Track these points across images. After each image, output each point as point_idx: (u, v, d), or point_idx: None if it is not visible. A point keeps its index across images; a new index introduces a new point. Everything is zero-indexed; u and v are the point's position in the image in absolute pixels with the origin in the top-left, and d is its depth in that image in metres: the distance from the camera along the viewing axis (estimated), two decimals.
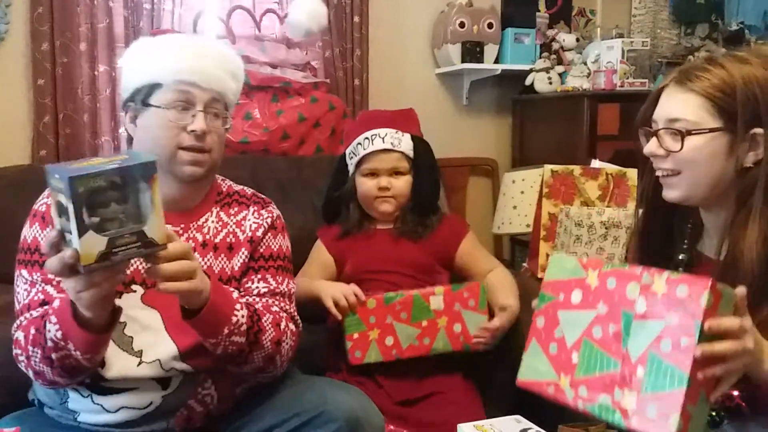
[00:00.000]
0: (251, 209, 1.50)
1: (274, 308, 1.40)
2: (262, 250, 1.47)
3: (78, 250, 0.95)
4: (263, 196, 1.57)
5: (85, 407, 1.32)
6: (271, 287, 1.45)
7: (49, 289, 1.30)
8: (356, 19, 3.09)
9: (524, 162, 3.16)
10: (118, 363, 1.29)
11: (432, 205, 1.98)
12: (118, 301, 1.18)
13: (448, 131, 3.33)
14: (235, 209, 1.49)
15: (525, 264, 2.59)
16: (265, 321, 1.33)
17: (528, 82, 3.09)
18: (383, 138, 1.88)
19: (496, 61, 3.16)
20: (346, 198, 1.94)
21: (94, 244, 0.96)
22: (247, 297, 1.40)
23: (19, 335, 1.25)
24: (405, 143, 1.90)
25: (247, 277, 1.44)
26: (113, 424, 1.31)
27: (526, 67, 3.12)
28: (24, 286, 1.32)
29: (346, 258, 1.90)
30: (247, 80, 2.08)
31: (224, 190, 1.52)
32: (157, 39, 1.45)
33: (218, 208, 1.47)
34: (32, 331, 1.21)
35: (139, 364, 1.30)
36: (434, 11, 3.27)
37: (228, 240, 1.44)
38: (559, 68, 3.09)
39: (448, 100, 3.36)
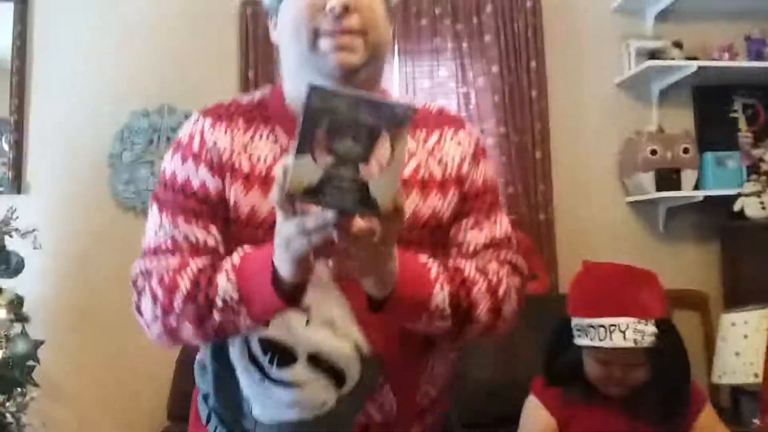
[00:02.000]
0: (446, 132, 1.16)
1: (492, 265, 1.10)
2: (468, 188, 1.14)
3: (288, 169, 0.77)
4: (452, 112, 1.24)
5: (258, 396, 1.09)
6: (488, 237, 1.14)
7: (190, 235, 1.06)
8: (538, 154, 3.06)
9: (740, 297, 2.80)
10: (283, 320, 1.04)
11: (679, 395, 1.66)
12: None
13: (645, 261, 2.99)
14: (423, 132, 1.15)
15: (756, 420, 2.23)
16: (477, 291, 1.05)
17: (737, 207, 2.81)
18: (624, 332, 1.59)
19: (696, 187, 2.93)
20: (570, 365, 1.74)
21: (307, 171, 0.76)
22: (453, 260, 1.10)
23: (153, 284, 1.03)
24: (648, 336, 1.61)
25: (458, 226, 1.14)
26: (289, 423, 1.08)
27: (733, 192, 2.85)
28: (152, 226, 1.10)
29: (571, 426, 1.69)
30: None
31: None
32: None
33: None
34: (182, 285, 1.00)
35: (308, 323, 1.05)
36: (619, 138, 3.15)
37: (421, 174, 1.11)
38: None
39: (642, 229, 3.15)
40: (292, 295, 0.94)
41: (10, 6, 3.03)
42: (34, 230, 2.33)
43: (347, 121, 0.75)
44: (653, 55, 3.00)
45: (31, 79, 3.05)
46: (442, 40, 3.16)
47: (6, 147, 3.00)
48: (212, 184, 1.07)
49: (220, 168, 1.07)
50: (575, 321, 1.71)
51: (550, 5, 3.16)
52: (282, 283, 0.92)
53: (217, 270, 0.99)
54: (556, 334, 1.76)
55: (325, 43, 1.02)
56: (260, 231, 1.04)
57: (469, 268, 1.07)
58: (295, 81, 1.10)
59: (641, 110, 3.18)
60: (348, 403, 1.07)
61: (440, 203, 1.11)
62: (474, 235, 1.13)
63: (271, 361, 1.04)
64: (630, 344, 1.59)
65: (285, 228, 0.84)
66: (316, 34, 1.02)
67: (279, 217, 0.84)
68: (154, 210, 1.10)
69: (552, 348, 1.76)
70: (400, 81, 3.13)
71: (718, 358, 2.50)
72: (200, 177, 1.07)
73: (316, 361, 1.05)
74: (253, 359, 1.06)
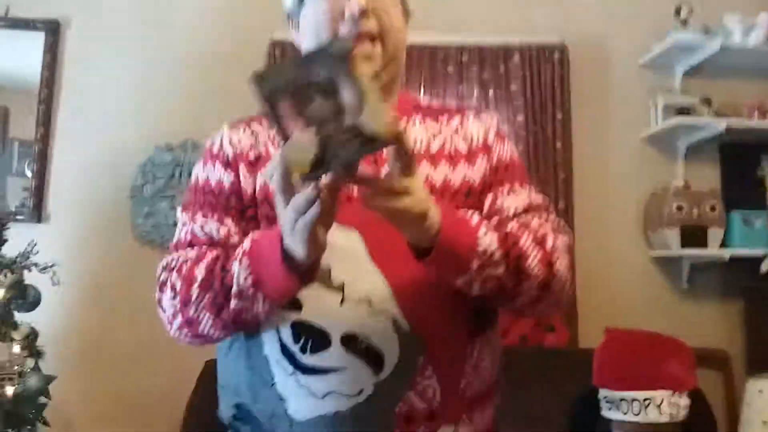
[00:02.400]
0: (469, 114, 1.20)
1: (534, 223, 1.07)
2: (497, 158, 1.16)
3: (287, 158, 0.78)
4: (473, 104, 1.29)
5: (291, 390, 1.04)
6: (527, 200, 1.13)
7: (205, 227, 1.09)
8: (561, 204, 3.03)
9: (763, 360, 2.74)
10: (316, 301, 1.01)
11: None
12: None
13: (667, 317, 3.04)
14: (445, 117, 1.19)
15: None
16: (524, 242, 1.00)
17: (763, 269, 2.76)
18: (660, 406, 1.55)
19: (722, 245, 2.89)
20: None
21: (301, 149, 0.77)
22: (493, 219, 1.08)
23: (172, 278, 1.04)
24: (683, 409, 1.58)
25: (493, 194, 1.13)
26: (325, 418, 1.02)
27: (760, 252, 2.81)
28: (178, 227, 1.15)
29: None
30: None
31: (420, 102, 1.24)
32: None
33: (420, 116, 1.18)
34: (198, 274, 1.00)
35: (343, 301, 1.01)
36: (644, 192, 3.12)
37: (448, 149, 1.14)
38: None
39: (665, 285, 3.11)
40: (306, 272, 0.93)
41: (41, 36, 3.06)
42: (53, 265, 2.31)
43: (303, 86, 0.77)
44: (681, 111, 2.99)
45: (58, 108, 3.06)
46: (468, 87, 3.16)
47: (29, 174, 3.00)
48: (226, 178, 1.12)
49: (234, 161, 1.12)
50: (604, 393, 1.66)
51: (578, 57, 3.16)
52: (296, 262, 0.92)
53: (230, 258, 1.00)
54: (582, 406, 1.71)
55: None
56: None
57: (511, 224, 1.04)
58: None
59: (667, 165, 3.16)
60: (387, 390, 1.02)
61: (470, 171, 1.13)
62: (511, 200, 1.12)
63: (303, 348, 1.02)
64: (666, 419, 1.54)
65: (283, 214, 0.86)
66: (336, 37, 1.05)
67: (277, 205, 0.87)
68: (179, 215, 1.16)
69: (578, 420, 1.72)
70: None
71: (743, 425, 2.43)
72: (216, 174, 1.13)
73: (352, 342, 1.01)
74: (284, 350, 1.03)
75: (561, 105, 3.10)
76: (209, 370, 2.55)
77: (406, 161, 0.84)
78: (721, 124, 2.87)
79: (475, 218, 0.99)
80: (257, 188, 1.10)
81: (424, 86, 3.11)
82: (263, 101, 0.77)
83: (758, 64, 3.11)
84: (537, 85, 3.12)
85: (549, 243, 1.03)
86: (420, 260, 0.93)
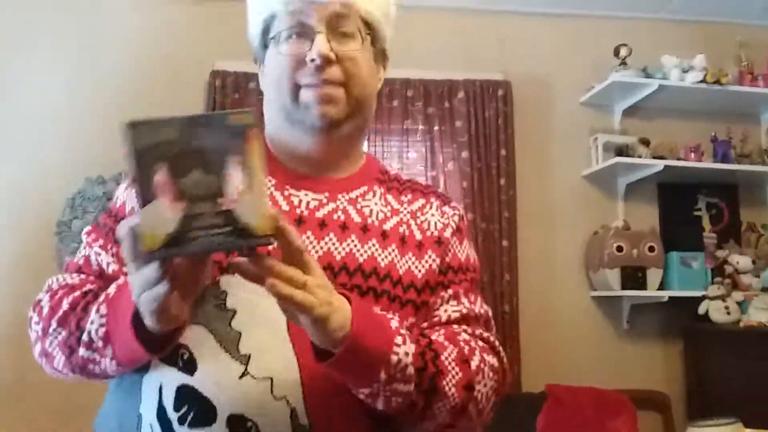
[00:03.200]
0: (433, 202, 1.10)
1: (463, 336, 0.97)
2: (449, 260, 1.05)
3: (140, 226, 0.67)
4: (440, 190, 1.16)
5: None
6: (465, 309, 1.03)
7: (100, 257, 0.98)
8: (504, 243, 3.01)
9: (703, 402, 2.76)
10: (214, 368, 0.88)
11: None
12: (227, 279, 0.89)
13: (607, 358, 3.05)
14: (409, 196, 1.09)
15: None
16: (446, 358, 0.90)
17: (701, 310, 2.79)
18: None
19: (661, 287, 2.91)
20: None
21: (159, 221, 0.66)
22: (423, 325, 1.00)
23: (44, 300, 0.94)
24: None
25: (434, 297, 1.03)
26: None
27: (697, 294, 2.84)
28: (80, 246, 1.04)
29: None
30: None
31: (389, 171, 1.13)
32: None
33: (383, 189, 1.08)
34: (64, 305, 0.90)
35: (243, 375, 0.88)
36: (586, 231, 3.13)
37: (401, 231, 1.03)
38: (737, 295, 2.77)
39: (606, 325, 3.11)
40: (158, 342, 0.81)
41: None
42: None
43: (186, 151, 0.66)
44: (620, 150, 3.02)
45: None
46: (413, 122, 3.13)
47: None
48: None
49: None
50: None
51: (521, 94, 3.17)
52: (147, 329, 0.79)
53: (96, 299, 0.89)
54: None
55: (306, 95, 0.98)
56: (217, 255, 0.93)
57: (437, 334, 0.95)
58: (277, 131, 1.05)
59: (608, 204, 3.18)
60: None
61: (416, 263, 1.02)
62: (451, 307, 1.02)
63: (182, 418, 0.88)
64: None
65: (131, 281, 0.75)
66: (297, 86, 0.98)
67: (128, 269, 0.75)
68: (83, 232, 1.05)
69: None
70: None
71: None
72: (132, 201, 1.00)
73: (239, 425, 0.87)
74: (161, 413, 0.89)
75: (505, 142, 3.10)
76: None
77: (299, 259, 0.75)
78: (659, 165, 2.90)
79: (394, 324, 0.89)
80: None
81: None
82: (132, 155, 0.66)
83: (694, 104, 3.17)
84: (481, 122, 3.11)
85: (474, 363, 0.93)
86: (320, 361, 0.82)
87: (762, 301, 2.65)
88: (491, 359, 0.97)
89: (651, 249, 2.89)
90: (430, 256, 1.03)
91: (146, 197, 0.66)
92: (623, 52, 3.04)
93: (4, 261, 2.82)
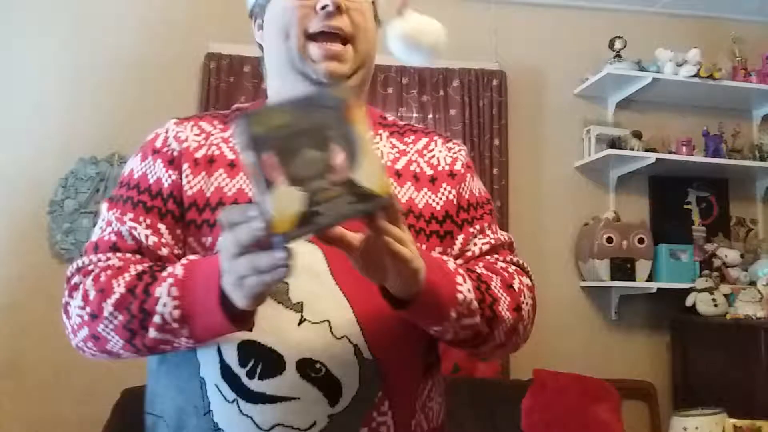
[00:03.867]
0: (436, 139, 1.13)
1: (500, 264, 1.03)
2: (467, 196, 1.09)
3: (269, 213, 0.68)
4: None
5: (231, 420, 0.91)
6: (492, 240, 1.07)
7: (136, 231, 0.96)
8: None
9: (689, 393, 2.79)
10: (272, 319, 0.90)
11: None
12: None
13: (596, 348, 3.07)
14: (412, 137, 1.11)
15: None
16: (495, 286, 0.97)
17: (689, 303, 2.81)
18: None
19: (650, 278, 2.93)
20: None
21: (290, 202, 0.68)
22: (461, 259, 1.03)
23: (87, 284, 0.91)
24: None
25: (464, 236, 1.06)
26: None
27: (685, 286, 2.86)
28: (100, 224, 1.01)
29: None
30: None
31: (386, 117, 1.16)
32: None
33: (387, 133, 1.10)
34: (118, 288, 0.88)
35: (301, 322, 0.91)
36: (577, 221, 3.15)
37: (413, 169, 1.06)
38: (725, 288, 2.79)
39: (594, 315, 3.13)
40: (242, 316, 0.82)
41: None
42: None
43: (296, 133, 0.69)
44: (613, 143, 3.04)
45: None
46: (408, 110, 3.14)
47: None
48: (167, 178, 1.00)
49: (178, 158, 1.01)
50: None
51: (516, 84, 3.18)
52: (231, 304, 0.80)
53: (157, 280, 0.88)
54: None
55: (314, 50, 1.00)
56: None
57: (479, 267, 1.00)
58: (281, 82, 1.07)
59: (599, 195, 3.20)
60: (342, 424, 0.91)
61: (433, 196, 1.06)
62: (481, 240, 1.07)
63: (251, 372, 0.90)
64: None
65: (235, 265, 0.74)
66: (306, 37, 1.00)
67: (225, 254, 0.75)
68: (103, 209, 1.01)
69: None
70: None
71: None
72: (156, 172, 1.01)
73: (308, 368, 0.90)
74: (226, 372, 0.91)
75: (498, 131, 3.11)
76: (126, 400, 2.43)
77: (396, 217, 0.78)
78: (650, 158, 2.92)
79: (451, 264, 0.94)
80: (209, 191, 0.99)
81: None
82: (248, 146, 0.69)
83: (687, 98, 3.19)
84: (475, 111, 3.12)
85: (516, 286, 1.00)
86: (396, 309, 0.86)
87: (749, 295, 2.68)
88: (525, 280, 1.04)
89: (641, 241, 2.92)
90: (445, 188, 1.07)
91: (265, 186, 0.68)
92: (618, 44, 3.05)
93: None
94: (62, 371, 2.68)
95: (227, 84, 2.99)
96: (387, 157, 1.06)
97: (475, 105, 3.13)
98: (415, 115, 3.13)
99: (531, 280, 1.07)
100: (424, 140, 1.12)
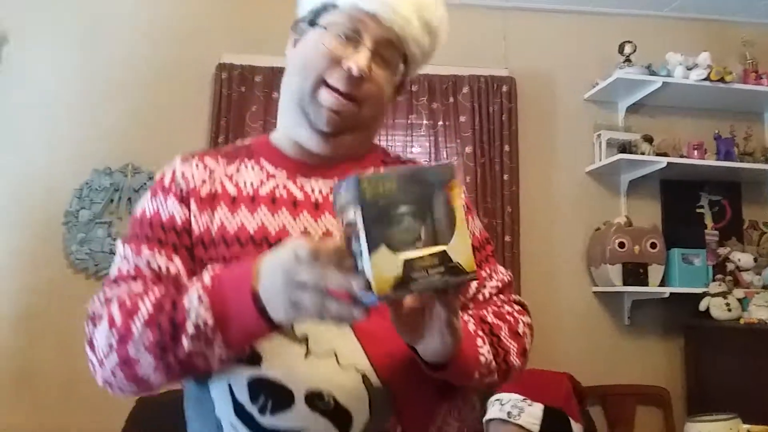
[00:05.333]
0: None
1: (505, 308, 1.07)
2: (471, 239, 1.08)
3: (370, 273, 0.73)
4: None
5: None
6: (499, 283, 1.11)
7: (153, 262, 0.98)
8: (507, 238, 3.03)
9: (703, 398, 2.78)
10: (279, 354, 0.92)
11: None
12: None
13: (609, 353, 3.06)
14: None
15: None
16: (504, 336, 1.01)
17: (702, 307, 2.80)
18: (502, 405, 1.72)
19: (663, 283, 2.92)
20: None
21: (389, 266, 0.73)
22: (472, 302, 1.08)
23: (112, 309, 0.91)
24: (528, 415, 1.72)
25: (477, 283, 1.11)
26: None
27: (699, 290, 2.85)
28: (116, 261, 1.02)
29: None
30: None
31: (389, 153, 1.19)
32: None
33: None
34: (145, 308, 0.88)
35: (307, 354, 0.92)
36: (588, 227, 3.15)
37: None
38: (738, 292, 2.78)
39: (607, 320, 3.12)
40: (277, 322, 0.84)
41: None
42: None
43: (401, 200, 0.75)
44: (624, 147, 3.03)
45: None
46: (418, 117, 3.15)
47: None
48: (179, 213, 1.02)
49: (187, 196, 1.03)
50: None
51: (526, 90, 3.19)
52: (264, 310, 0.82)
53: (181, 294, 0.88)
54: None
55: (325, 96, 1.02)
56: (247, 248, 0.98)
57: (490, 315, 1.02)
58: (284, 116, 1.10)
59: (610, 200, 3.20)
60: None
61: None
62: (491, 283, 1.10)
63: (263, 408, 0.91)
64: (503, 416, 1.71)
65: (300, 295, 0.76)
66: (321, 81, 1.02)
67: (289, 277, 0.77)
68: (119, 248, 1.03)
69: None
70: None
71: None
72: (168, 208, 1.03)
73: (317, 400, 0.91)
74: (239, 411, 0.92)
75: (509, 137, 3.11)
76: (140, 410, 2.45)
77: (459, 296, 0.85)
78: (662, 162, 2.92)
79: (471, 326, 0.97)
80: (213, 228, 1.00)
81: None
82: (359, 208, 0.74)
83: (698, 102, 3.18)
84: (485, 117, 3.13)
85: (520, 330, 1.04)
86: (431, 371, 0.90)
87: (763, 299, 2.67)
88: (526, 319, 1.08)
89: (653, 245, 2.91)
90: None
91: (373, 244, 0.73)
92: (628, 49, 3.05)
93: (12, 251, 2.85)
94: (77, 380, 2.70)
95: (239, 94, 3.02)
96: None
97: (485, 111, 3.13)
98: (425, 122, 3.14)
99: (530, 316, 1.11)
100: None
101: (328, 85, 1.01)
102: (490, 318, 1.02)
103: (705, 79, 2.98)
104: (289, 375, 0.91)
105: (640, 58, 3.06)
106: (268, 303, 0.81)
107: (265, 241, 0.98)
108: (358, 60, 0.99)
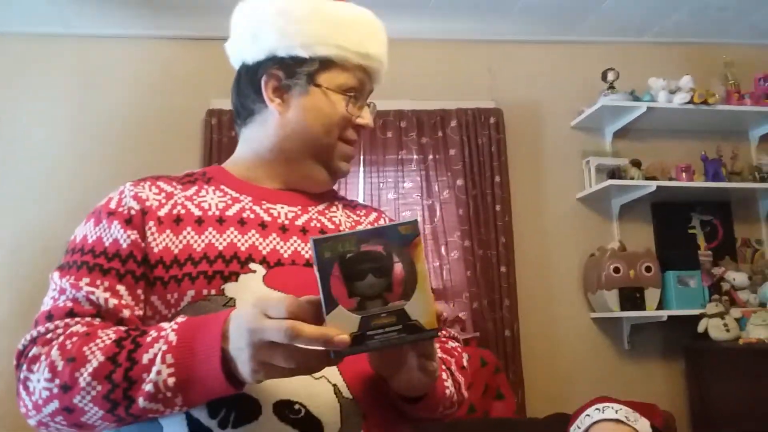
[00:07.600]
0: (384, 217, 1.25)
1: (450, 344, 1.14)
2: None
3: (324, 330, 0.76)
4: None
5: None
6: (444, 313, 1.16)
7: (93, 295, 0.92)
8: (503, 268, 3.04)
9: (708, 420, 2.77)
10: None
11: None
12: (233, 286, 0.95)
13: (610, 378, 3.05)
14: (363, 211, 1.22)
15: None
16: (454, 371, 1.07)
17: (700, 329, 2.80)
18: (617, 410, 1.80)
19: (660, 306, 2.93)
20: None
21: (345, 323, 0.77)
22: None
23: (52, 353, 0.86)
24: (642, 425, 1.79)
25: None
26: None
27: (696, 312, 2.85)
28: (51, 293, 0.95)
29: None
30: None
31: (344, 198, 1.29)
32: (336, 4, 1.14)
33: (342, 205, 1.21)
34: (94, 355, 0.84)
35: None
36: (582, 253, 3.16)
37: None
38: (735, 312, 2.79)
39: (607, 345, 3.12)
40: (242, 381, 0.82)
41: None
42: None
43: (360, 260, 0.78)
44: (613, 173, 3.06)
45: None
46: (408, 153, 3.18)
47: None
48: (125, 239, 0.97)
49: (139, 216, 0.99)
50: (573, 426, 1.90)
51: (513, 121, 3.22)
52: (230, 370, 0.80)
53: (141, 346, 0.84)
54: None
55: (346, 150, 1.14)
56: (216, 264, 0.97)
57: (439, 351, 1.01)
58: (287, 162, 1.13)
59: (603, 225, 3.22)
60: None
61: None
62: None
63: (224, 421, 0.87)
64: (621, 417, 1.78)
65: (267, 353, 0.76)
66: (340, 140, 1.12)
67: (255, 338, 0.76)
68: (54, 278, 0.96)
69: None
70: (366, 192, 3.12)
71: None
72: (112, 233, 0.98)
73: (287, 410, 0.88)
74: (195, 427, 0.87)
75: (499, 168, 3.14)
76: None
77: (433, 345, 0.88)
78: (651, 186, 2.94)
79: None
80: (177, 246, 0.97)
81: (363, 152, 3.12)
82: (319, 266, 0.77)
83: (683, 125, 3.23)
84: (475, 149, 3.16)
85: (465, 363, 1.11)
86: (406, 404, 0.95)
87: (760, 318, 2.67)
88: (465, 354, 1.16)
89: (648, 269, 2.92)
90: None
91: (330, 303, 0.77)
92: (611, 76, 3.10)
93: (8, 314, 2.83)
94: None
95: (228, 138, 3.05)
96: (346, 224, 1.15)
97: (474, 144, 3.16)
98: (415, 156, 3.17)
99: (461, 342, 1.19)
100: (374, 215, 1.22)
101: (343, 141, 1.13)
102: (439, 353, 1.03)
103: (688, 102, 3.02)
104: (256, 386, 0.88)
105: (623, 84, 3.11)
106: (240, 367, 0.79)
107: (235, 258, 0.98)
108: (366, 117, 1.14)
